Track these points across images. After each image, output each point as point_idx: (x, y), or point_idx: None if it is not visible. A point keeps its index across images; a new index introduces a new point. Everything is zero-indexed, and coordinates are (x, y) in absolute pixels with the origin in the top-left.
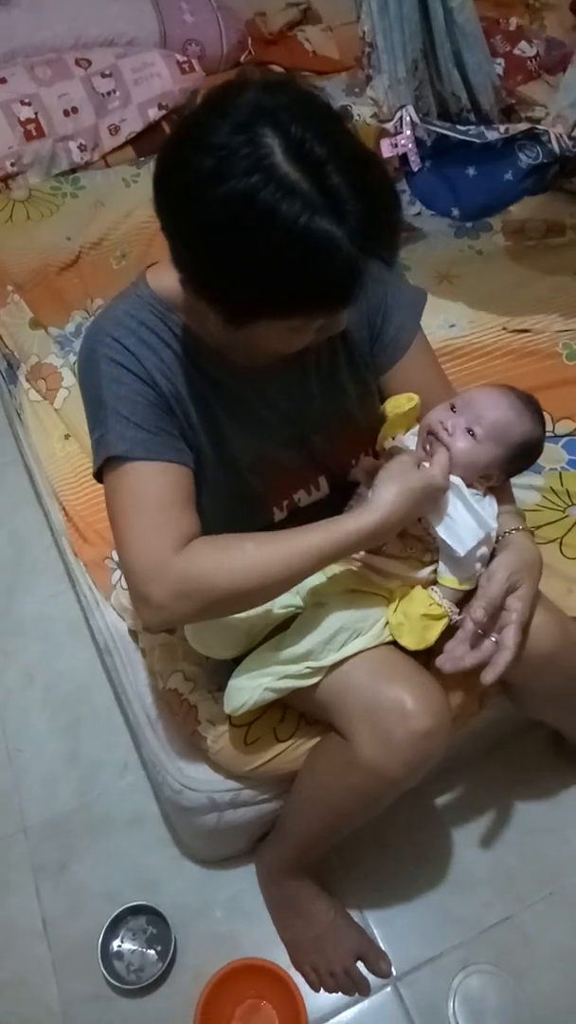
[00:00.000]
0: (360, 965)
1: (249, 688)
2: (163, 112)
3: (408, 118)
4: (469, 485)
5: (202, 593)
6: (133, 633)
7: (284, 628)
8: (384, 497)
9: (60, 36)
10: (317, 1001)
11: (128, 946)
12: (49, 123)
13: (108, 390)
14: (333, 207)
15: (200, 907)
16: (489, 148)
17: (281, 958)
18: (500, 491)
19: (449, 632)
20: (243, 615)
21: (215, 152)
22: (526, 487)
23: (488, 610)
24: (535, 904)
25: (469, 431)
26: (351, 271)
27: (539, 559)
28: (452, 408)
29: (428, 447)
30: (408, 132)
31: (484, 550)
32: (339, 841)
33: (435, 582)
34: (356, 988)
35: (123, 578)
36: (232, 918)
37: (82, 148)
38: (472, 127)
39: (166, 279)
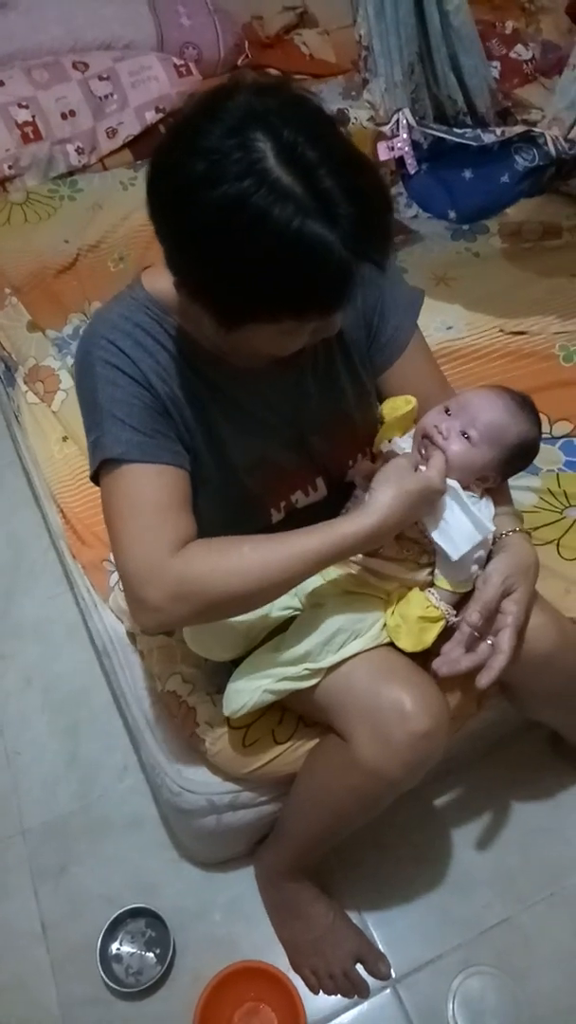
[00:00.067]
0: (359, 967)
1: (248, 690)
2: (160, 115)
3: (405, 121)
4: (465, 487)
5: (198, 596)
6: (131, 635)
7: (283, 630)
8: (381, 500)
9: (57, 39)
10: (316, 1003)
11: (127, 949)
12: (46, 126)
13: (104, 393)
14: (325, 211)
15: (199, 910)
16: (485, 151)
17: (280, 960)
18: (497, 492)
19: (447, 633)
20: (241, 617)
21: (207, 156)
22: (523, 488)
23: (483, 614)
24: (535, 905)
25: (464, 434)
26: (343, 274)
27: (535, 561)
28: (447, 411)
29: (423, 451)
30: (405, 135)
31: (481, 553)
32: (338, 843)
33: (432, 584)
34: (355, 990)
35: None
36: (231, 920)
37: (79, 151)
38: (468, 130)
39: (161, 282)
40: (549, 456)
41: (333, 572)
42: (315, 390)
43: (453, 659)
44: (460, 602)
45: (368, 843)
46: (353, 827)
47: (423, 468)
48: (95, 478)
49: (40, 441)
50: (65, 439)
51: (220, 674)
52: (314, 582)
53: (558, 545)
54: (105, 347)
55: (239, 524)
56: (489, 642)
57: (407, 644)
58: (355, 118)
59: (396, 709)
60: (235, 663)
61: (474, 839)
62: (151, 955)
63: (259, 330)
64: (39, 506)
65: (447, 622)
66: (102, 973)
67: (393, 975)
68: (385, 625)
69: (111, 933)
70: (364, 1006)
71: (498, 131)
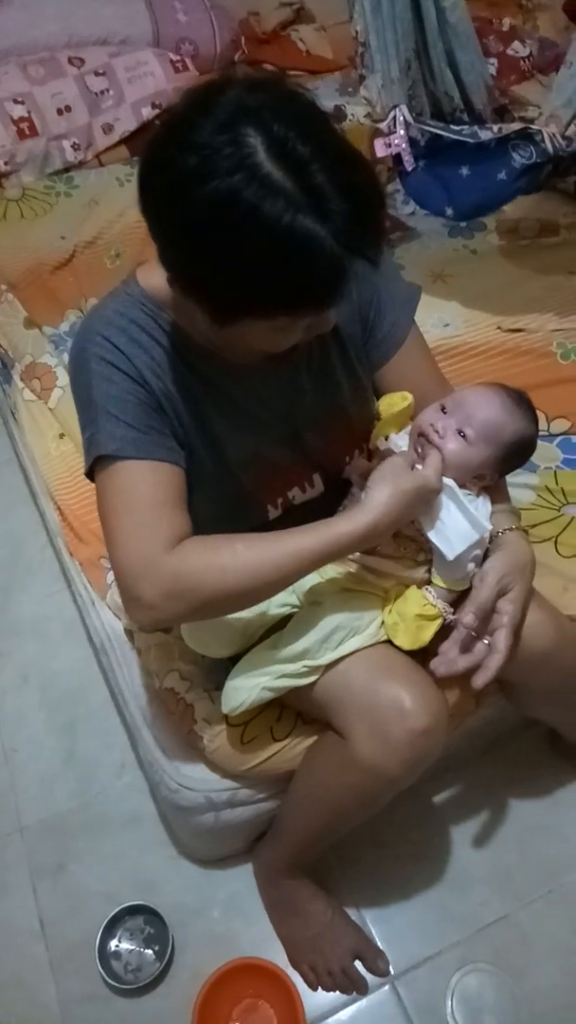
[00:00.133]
0: (358, 964)
1: (247, 688)
2: (157, 111)
3: (401, 118)
4: (462, 486)
5: (193, 593)
6: (129, 632)
7: (281, 627)
8: (377, 499)
9: (53, 35)
10: (315, 1000)
11: (126, 946)
12: (42, 122)
13: (98, 389)
14: (316, 206)
15: (198, 907)
16: (483, 148)
17: (279, 957)
18: (495, 490)
19: (445, 631)
20: (239, 614)
21: (198, 151)
22: (521, 486)
23: (478, 615)
24: (533, 902)
25: (460, 432)
26: (335, 270)
27: (532, 560)
28: (443, 409)
29: (420, 449)
30: (402, 132)
31: (478, 551)
32: (337, 840)
33: (430, 582)
34: (354, 987)
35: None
36: (230, 917)
37: (76, 147)
38: (465, 127)
39: (156, 277)
40: (547, 453)
41: (331, 570)
42: (310, 386)
43: (450, 659)
44: (458, 600)
45: (366, 840)
46: (352, 824)
47: (419, 467)
48: (90, 474)
49: (37, 438)
50: (62, 436)
51: (218, 671)
52: (312, 579)
53: (556, 542)
54: (100, 343)
55: (236, 521)
56: (486, 642)
57: (404, 642)
58: (352, 115)
59: (395, 707)
60: (233, 660)
61: (472, 837)
62: (150, 952)
63: (252, 326)
64: (36, 503)
65: (444, 620)
66: (101, 970)
67: (391, 972)
68: (383, 623)
69: (110, 930)
70: (362, 1003)
71: (495, 128)
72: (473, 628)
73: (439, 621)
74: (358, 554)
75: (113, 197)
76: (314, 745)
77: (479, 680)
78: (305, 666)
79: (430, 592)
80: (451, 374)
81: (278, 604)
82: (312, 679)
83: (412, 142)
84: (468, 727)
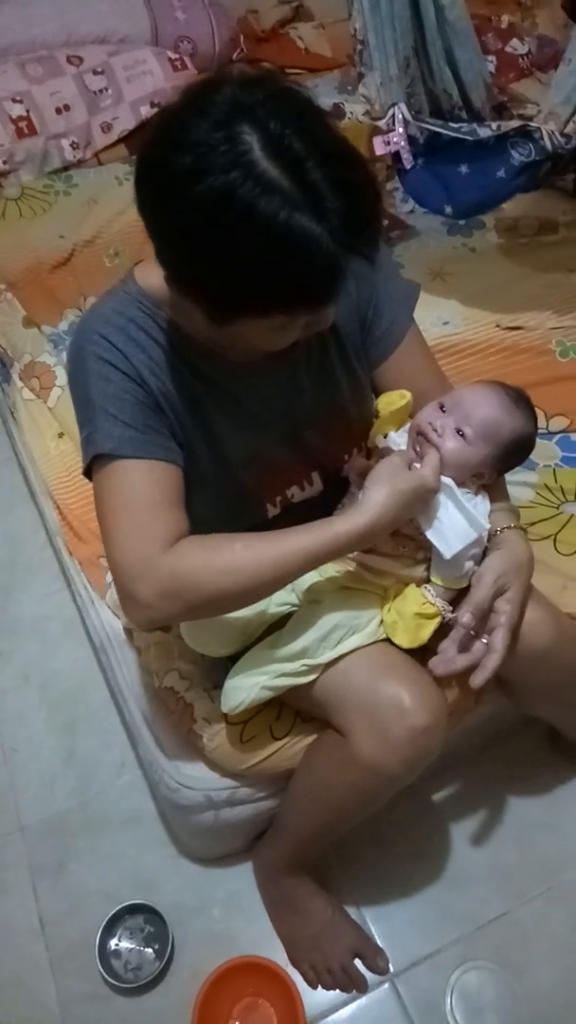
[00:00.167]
0: (357, 962)
1: (246, 687)
2: (155, 110)
3: (400, 115)
4: (460, 484)
5: (189, 592)
6: (128, 631)
7: (280, 626)
8: (374, 499)
9: (51, 33)
10: (315, 998)
11: (126, 945)
12: (41, 121)
13: (96, 388)
14: (313, 203)
15: (198, 905)
16: (481, 145)
17: (279, 956)
18: (494, 488)
19: (444, 629)
20: (238, 613)
21: (193, 149)
22: (520, 484)
23: (476, 614)
24: (533, 900)
25: (459, 431)
26: (332, 268)
27: (529, 559)
28: (441, 408)
29: (418, 448)
30: (400, 130)
31: (476, 550)
32: (336, 838)
33: (429, 580)
34: (354, 985)
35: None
36: (230, 916)
37: (74, 146)
38: (464, 124)
39: (154, 276)
40: (546, 451)
41: (330, 568)
42: (309, 384)
43: (448, 658)
44: (457, 598)
45: (366, 839)
46: (351, 823)
47: (417, 465)
48: (88, 473)
49: (36, 437)
50: (61, 435)
51: (217, 670)
52: (311, 578)
53: (555, 540)
54: (97, 342)
55: (235, 519)
56: (484, 641)
57: (404, 640)
58: (351, 113)
59: (394, 705)
60: (232, 659)
61: (472, 834)
62: (150, 951)
63: (250, 324)
64: (35, 503)
65: (443, 618)
66: (101, 969)
67: (391, 970)
68: (382, 621)
69: (110, 929)
70: (362, 1001)
71: (494, 125)
72: (471, 627)
73: (438, 619)
74: (357, 552)
75: (112, 196)
76: (314, 743)
77: (477, 679)
78: (304, 665)
79: (429, 590)
80: (450, 372)
81: (277, 603)
82: (311, 678)
83: (411, 140)
84: (467, 725)
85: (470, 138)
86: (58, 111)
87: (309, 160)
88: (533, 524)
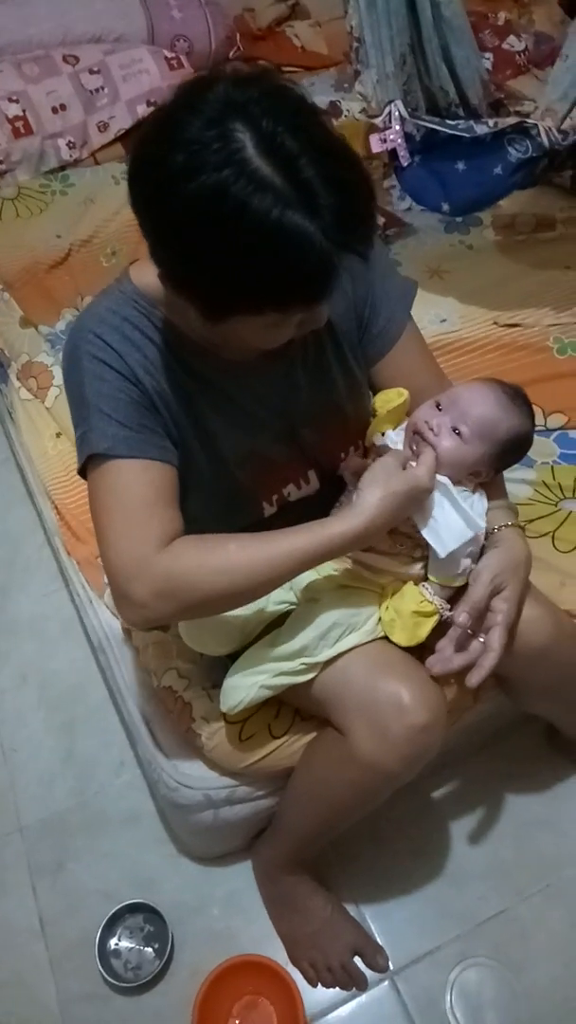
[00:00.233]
0: (357, 960)
1: (245, 686)
2: (152, 109)
3: (397, 113)
4: (457, 482)
5: (184, 592)
6: (127, 631)
7: (278, 624)
8: (368, 501)
9: (47, 33)
10: (315, 996)
11: (125, 944)
12: (37, 120)
13: (91, 387)
14: (306, 201)
15: (197, 904)
16: (478, 142)
17: (278, 954)
18: (492, 486)
19: (443, 627)
20: (237, 612)
21: (186, 147)
22: (518, 481)
23: (472, 613)
24: (531, 897)
25: (455, 430)
26: (325, 266)
27: (526, 557)
28: (438, 406)
29: (414, 447)
30: (397, 127)
31: (472, 548)
32: (336, 836)
33: (426, 578)
34: (353, 983)
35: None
36: (229, 915)
37: (71, 145)
38: (461, 121)
39: (149, 275)
40: (544, 448)
41: (328, 567)
42: (305, 382)
43: (446, 658)
44: (455, 595)
45: (365, 837)
46: (351, 821)
47: (413, 464)
48: (83, 472)
49: (34, 437)
50: (59, 435)
51: (216, 669)
52: (309, 576)
53: (553, 537)
54: (92, 341)
55: (232, 518)
56: (481, 640)
57: (401, 638)
58: (347, 110)
59: (393, 703)
60: (231, 658)
61: (471, 832)
62: (149, 950)
63: (244, 323)
64: (33, 503)
65: (441, 616)
66: (101, 969)
67: (391, 967)
68: (380, 619)
69: (109, 929)
70: (362, 998)
71: (491, 122)
72: (467, 627)
73: (436, 617)
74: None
75: (109, 195)
76: (313, 742)
77: (473, 679)
78: (303, 663)
79: (427, 588)
80: (448, 370)
81: (276, 601)
82: (310, 676)
83: (408, 137)
84: (466, 723)
85: (467, 135)
86: (54, 110)
87: (302, 158)
88: (531, 521)
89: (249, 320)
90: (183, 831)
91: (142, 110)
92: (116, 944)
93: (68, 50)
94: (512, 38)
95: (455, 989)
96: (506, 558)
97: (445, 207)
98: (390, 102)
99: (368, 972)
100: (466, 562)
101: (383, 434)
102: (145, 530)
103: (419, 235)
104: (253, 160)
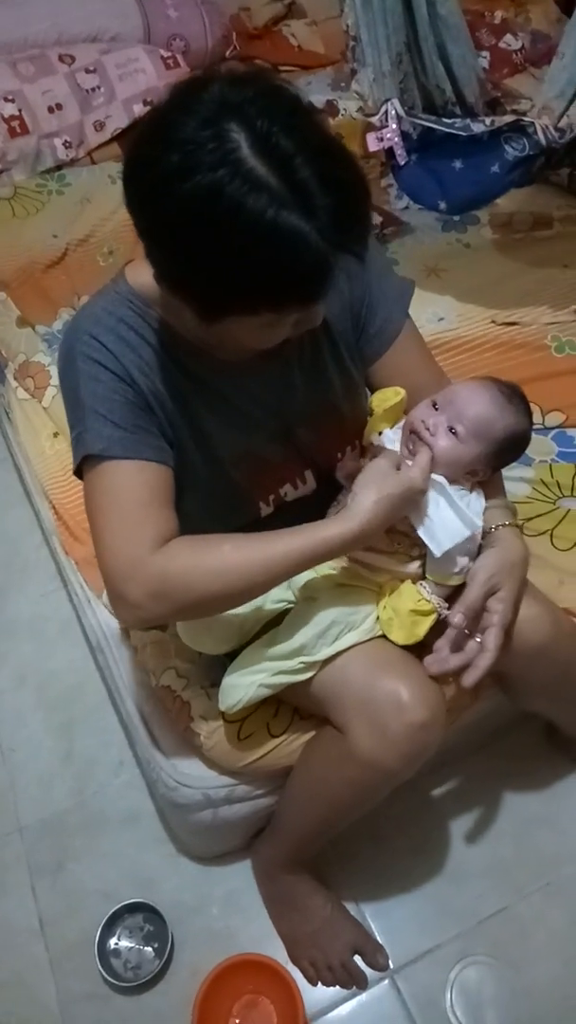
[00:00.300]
0: (357, 958)
1: (243, 685)
2: (148, 108)
3: (393, 111)
4: (454, 482)
5: (179, 593)
6: (125, 631)
7: (276, 623)
8: (363, 504)
9: (43, 32)
10: (315, 995)
11: (125, 944)
12: (33, 120)
13: (86, 388)
14: (301, 201)
15: (197, 904)
16: (475, 140)
17: (278, 953)
18: (490, 484)
19: (441, 625)
20: (235, 610)
21: (181, 147)
22: (516, 479)
23: (467, 615)
24: (531, 895)
25: (451, 429)
26: (321, 266)
27: (523, 557)
28: (434, 405)
29: (411, 446)
30: (394, 125)
31: (469, 547)
32: (335, 835)
33: (424, 576)
34: (354, 981)
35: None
36: (229, 914)
37: (67, 145)
38: (457, 120)
39: (144, 275)
40: (542, 447)
41: (325, 565)
42: (301, 382)
43: (442, 658)
44: (454, 594)
45: (365, 835)
46: (350, 819)
47: (409, 463)
48: (78, 472)
49: (31, 437)
50: (56, 435)
51: (214, 668)
52: (307, 575)
53: (551, 536)
54: (87, 342)
55: (228, 518)
56: (478, 639)
57: (399, 637)
58: (344, 109)
59: (392, 701)
60: (229, 656)
61: (470, 830)
62: (149, 950)
63: (239, 323)
64: (31, 503)
65: (439, 615)
66: (100, 968)
67: (391, 966)
68: (378, 618)
69: (109, 928)
70: (363, 997)
71: (488, 120)
72: (462, 628)
73: (434, 616)
74: None
75: (105, 195)
76: (312, 740)
77: (468, 679)
78: (301, 662)
79: (424, 587)
80: (446, 368)
81: (274, 600)
82: (309, 675)
83: (404, 136)
84: (465, 721)
85: (463, 133)
86: (50, 110)
87: (297, 157)
88: (530, 519)
89: (244, 320)
90: (182, 830)
91: (138, 109)
92: (116, 944)
93: (64, 49)
94: (509, 36)
95: (455, 987)
96: (502, 558)
97: (442, 205)
98: (386, 101)
99: (368, 971)
100: (463, 561)
101: (381, 433)
102: (140, 531)
103: (416, 234)
104: (248, 160)
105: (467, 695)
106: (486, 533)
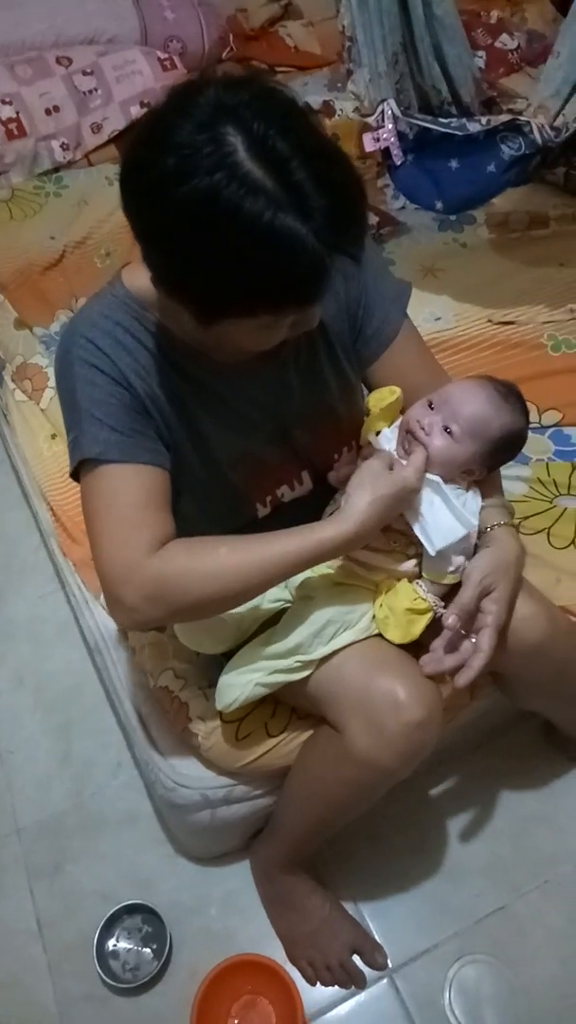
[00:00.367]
0: (356, 958)
1: (240, 684)
2: (145, 110)
3: (390, 111)
4: (450, 481)
5: (175, 596)
6: (123, 632)
7: (274, 622)
8: (356, 506)
9: (40, 34)
10: (313, 995)
11: (124, 945)
12: (31, 122)
13: (82, 392)
14: (297, 204)
15: (195, 904)
16: (471, 140)
17: (277, 953)
18: (487, 484)
19: (437, 624)
20: (232, 610)
21: (178, 151)
22: (513, 478)
23: (461, 616)
24: (529, 893)
25: (446, 428)
26: (317, 267)
27: (518, 557)
28: (430, 405)
29: (407, 446)
30: (390, 126)
31: (466, 546)
32: (332, 834)
33: (420, 575)
34: (352, 981)
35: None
36: (227, 915)
37: (64, 147)
38: (454, 120)
39: (141, 278)
40: (538, 445)
41: (322, 564)
42: (298, 384)
43: (438, 658)
44: (450, 593)
45: (362, 835)
46: (347, 818)
47: (403, 462)
48: (75, 475)
49: (29, 439)
50: (54, 436)
51: (212, 668)
52: (304, 574)
53: (548, 534)
54: (84, 346)
55: (225, 519)
56: (473, 640)
57: (395, 636)
58: (341, 110)
59: (389, 699)
60: (227, 656)
61: (468, 829)
62: (148, 951)
63: (237, 325)
64: (29, 504)
65: (435, 614)
66: (99, 970)
67: (389, 965)
68: (375, 616)
69: (107, 930)
70: (361, 997)
71: (484, 120)
72: (456, 629)
73: (430, 615)
74: None
75: (102, 197)
76: (309, 740)
77: (461, 680)
78: (298, 661)
79: (420, 586)
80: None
81: (271, 599)
82: (305, 674)
83: (401, 136)
84: (463, 720)
85: (460, 133)
86: (48, 112)
87: (293, 160)
88: (527, 518)
89: (242, 322)
90: (181, 831)
91: (135, 111)
92: (114, 945)
93: (61, 51)
94: (504, 36)
95: (454, 986)
96: (496, 558)
97: (439, 205)
98: (383, 101)
99: (367, 970)
100: (459, 560)
101: (379, 433)
102: (136, 534)
103: (413, 234)
104: (245, 163)
105: (464, 694)
106: (482, 533)
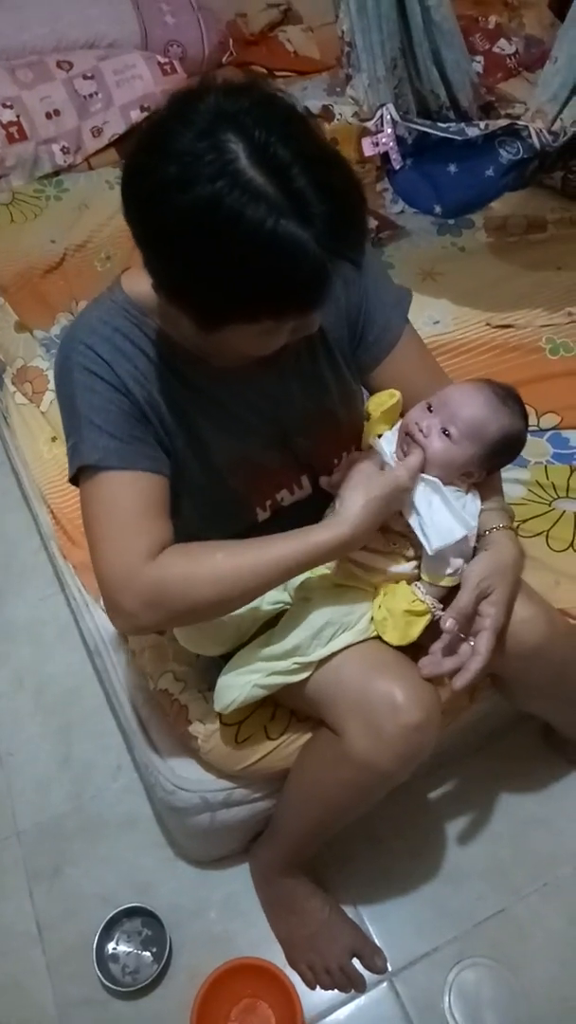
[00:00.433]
0: (355, 962)
1: (238, 685)
2: (145, 114)
3: (388, 116)
4: (449, 483)
5: (173, 602)
6: (123, 635)
7: (273, 624)
8: (351, 509)
9: (41, 38)
10: (313, 999)
11: (123, 948)
12: (31, 126)
13: (81, 398)
14: (299, 210)
15: (195, 908)
16: (470, 145)
17: (277, 957)
18: (487, 486)
19: (436, 627)
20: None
21: (179, 159)
22: (512, 481)
23: (459, 619)
24: (529, 896)
25: (444, 431)
26: (319, 273)
27: (516, 560)
28: (429, 408)
29: (405, 448)
30: (389, 130)
31: (463, 548)
32: (332, 837)
33: (419, 577)
34: (352, 985)
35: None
36: (227, 918)
37: (65, 151)
38: (452, 124)
39: (141, 284)
40: (537, 448)
41: (321, 566)
42: (297, 389)
43: (436, 661)
44: (449, 595)
45: (362, 837)
46: (346, 821)
47: (396, 462)
48: (74, 480)
49: (29, 442)
50: (54, 439)
51: (212, 671)
52: (302, 575)
53: (547, 537)
54: (83, 352)
55: (225, 523)
56: (471, 643)
57: (393, 638)
58: (340, 114)
59: (387, 702)
60: (226, 659)
61: (468, 832)
62: (147, 954)
63: (238, 331)
64: (29, 507)
65: (433, 616)
66: (98, 973)
67: (389, 969)
68: (373, 618)
69: (107, 933)
70: (361, 1000)
71: (482, 124)
72: (454, 632)
73: (428, 617)
74: None
75: (103, 200)
76: (308, 742)
77: (458, 682)
78: (296, 663)
79: (419, 588)
80: None
81: (270, 601)
82: (303, 676)
83: (399, 140)
84: (462, 722)
85: (458, 138)
86: (48, 116)
87: (294, 167)
88: (525, 521)
89: (243, 328)
90: (180, 834)
91: (136, 115)
92: (114, 948)
93: (62, 56)
94: (503, 41)
95: (453, 989)
96: (494, 561)
97: (437, 209)
98: (382, 106)
99: (366, 974)
100: (457, 562)
101: (380, 436)
102: (134, 541)
103: (412, 238)
104: (247, 171)
105: (463, 697)
106: (481, 536)
